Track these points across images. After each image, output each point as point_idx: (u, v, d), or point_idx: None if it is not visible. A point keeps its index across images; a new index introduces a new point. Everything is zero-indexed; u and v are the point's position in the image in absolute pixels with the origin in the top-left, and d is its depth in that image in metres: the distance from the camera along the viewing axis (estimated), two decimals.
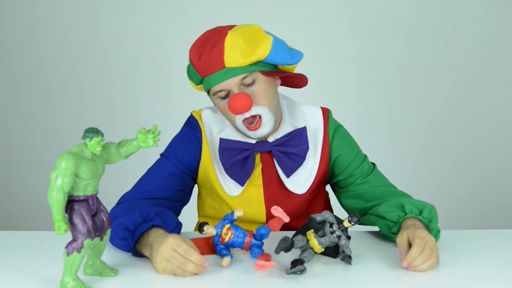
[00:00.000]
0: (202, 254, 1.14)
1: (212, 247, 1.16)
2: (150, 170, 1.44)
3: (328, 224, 1.08)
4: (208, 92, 1.33)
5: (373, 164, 1.48)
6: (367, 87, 3.16)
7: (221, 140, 1.37)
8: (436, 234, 1.25)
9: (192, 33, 3.29)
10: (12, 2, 3.12)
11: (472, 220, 3.12)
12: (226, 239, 1.10)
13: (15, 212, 3.20)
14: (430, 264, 1.08)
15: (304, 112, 1.43)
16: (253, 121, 1.28)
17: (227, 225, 1.11)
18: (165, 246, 1.04)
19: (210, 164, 1.41)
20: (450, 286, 0.99)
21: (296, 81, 1.40)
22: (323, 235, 1.07)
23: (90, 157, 0.93)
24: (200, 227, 1.10)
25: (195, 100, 2.45)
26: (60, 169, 0.87)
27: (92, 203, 0.95)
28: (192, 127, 1.45)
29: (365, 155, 1.48)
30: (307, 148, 1.37)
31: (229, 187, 1.39)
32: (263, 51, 1.25)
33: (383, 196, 1.39)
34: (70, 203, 0.93)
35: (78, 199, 0.93)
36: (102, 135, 0.92)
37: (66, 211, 0.92)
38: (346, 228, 1.08)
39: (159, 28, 3.12)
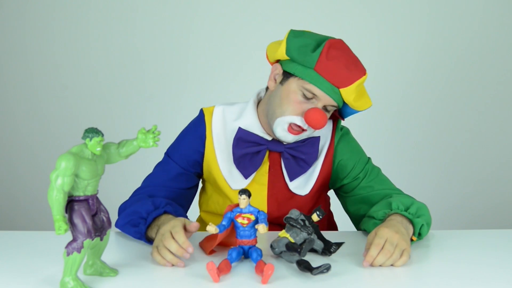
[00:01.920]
0: (211, 250, 1.15)
1: (221, 236, 1.11)
2: (156, 169, 1.46)
3: (301, 221, 1.10)
4: (291, 74, 1.30)
5: (378, 168, 1.48)
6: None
7: (240, 129, 1.38)
8: (421, 228, 1.24)
9: (193, 33, 3.31)
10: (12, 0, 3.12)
11: (472, 220, 3.12)
12: (240, 220, 1.06)
13: (15, 212, 3.20)
14: (393, 260, 1.08)
15: None
16: (298, 130, 1.32)
17: (252, 216, 1.06)
18: (166, 226, 1.12)
19: (214, 159, 1.42)
20: (450, 286, 0.99)
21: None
22: (300, 233, 1.09)
23: (90, 157, 0.93)
24: (241, 192, 1.06)
25: (196, 100, 2.45)
26: (60, 169, 0.87)
27: (92, 203, 0.95)
28: (196, 123, 1.46)
29: (369, 158, 1.48)
30: (315, 157, 1.40)
31: (234, 179, 1.40)
32: (361, 107, 1.33)
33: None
34: (70, 203, 0.92)
35: (78, 199, 0.93)
36: (102, 135, 0.92)
37: (66, 211, 0.92)
38: (315, 223, 1.12)
39: (160, 27, 3.11)
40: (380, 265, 1.09)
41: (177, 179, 1.42)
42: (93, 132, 0.92)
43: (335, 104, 1.30)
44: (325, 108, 1.31)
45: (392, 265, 1.09)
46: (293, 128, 1.31)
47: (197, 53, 3.11)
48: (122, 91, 3.15)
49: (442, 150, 3.18)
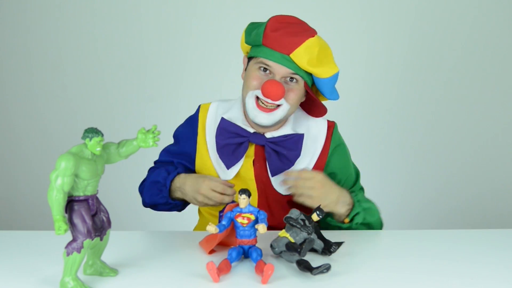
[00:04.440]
0: (211, 250, 1.15)
1: (220, 235, 1.11)
2: (165, 153, 1.55)
3: (301, 221, 1.10)
4: (251, 57, 1.37)
5: (362, 188, 1.52)
6: (364, 89, 3.16)
7: (222, 119, 1.42)
8: (356, 216, 1.35)
9: (193, 33, 3.31)
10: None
11: (472, 220, 3.12)
12: (240, 220, 1.06)
13: (15, 212, 3.20)
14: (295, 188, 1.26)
15: (309, 122, 1.46)
16: (267, 107, 1.32)
17: (252, 216, 1.06)
18: (204, 189, 1.31)
19: (205, 151, 1.45)
20: (450, 286, 0.99)
21: (315, 109, 1.45)
22: (300, 232, 1.09)
23: (90, 157, 0.93)
24: (240, 192, 1.06)
25: (196, 100, 2.44)
26: (60, 169, 0.88)
27: (92, 203, 0.95)
28: (189, 121, 1.52)
29: (357, 176, 1.51)
30: (298, 155, 1.40)
31: (221, 169, 1.43)
32: (324, 73, 1.31)
33: None
34: (70, 203, 0.93)
35: (78, 199, 0.93)
36: (102, 135, 0.93)
37: (66, 211, 0.92)
38: (314, 222, 1.12)
39: (161, 28, 3.12)
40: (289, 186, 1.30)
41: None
42: (93, 132, 0.92)
43: (291, 71, 1.31)
44: (286, 80, 1.33)
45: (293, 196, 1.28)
46: (261, 104, 1.32)
47: (197, 54, 3.11)
48: (122, 91, 3.15)
49: (443, 151, 3.18)
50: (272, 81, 1.27)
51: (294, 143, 1.39)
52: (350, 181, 1.48)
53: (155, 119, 2.70)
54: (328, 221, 1.39)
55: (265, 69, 1.33)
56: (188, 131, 1.50)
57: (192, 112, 1.55)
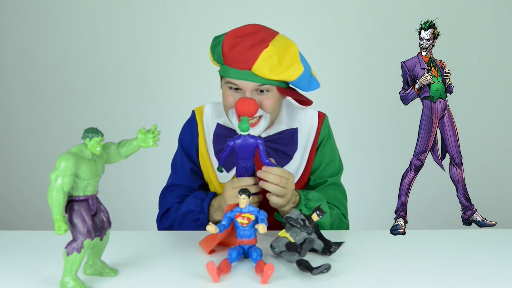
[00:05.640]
0: (211, 250, 1.15)
1: (220, 235, 1.12)
2: (173, 167, 1.53)
3: (301, 221, 1.10)
4: (221, 76, 1.38)
5: (336, 183, 1.50)
6: (366, 89, 3.16)
7: (218, 125, 1.44)
8: (300, 205, 1.32)
9: (193, 32, 3.31)
10: (12, 1, 3.12)
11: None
12: (239, 220, 1.06)
13: (15, 212, 3.20)
14: (274, 187, 1.20)
15: (301, 115, 1.48)
16: (250, 120, 1.33)
17: (252, 216, 1.07)
18: (226, 190, 1.26)
19: (206, 154, 1.47)
20: (450, 286, 0.99)
21: (303, 99, 1.45)
22: (300, 232, 1.09)
23: (90, 157, 0.93)
24: (240, 192, 1.06)
25: (196, 100, 2.45)
26: (60, 169, 0.88)
27: (92, 203, 0.95)
28: (187, 124, 1.53)
29: (339, 169, 1.51)
30: (295, 149, 1.42)
31: (223, 173, 1.44)
32: (289, 77, 1.30)
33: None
34: (70, 203, 0.93)
35: (78, 199, 0.93)
36: (102, 135, 0.93)
37: (66, 211, 0.92)
38: (314, 222, 1.12)
39: (160, 27, 3.12)
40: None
41: (193, 176, 1.49)
42: (93, 132, 0.92)
43: (258, 84, 1.31)
44: (258, 92, 1.33)
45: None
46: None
47: (197, 54, 3.11)
48: (122, 91, 3.15)
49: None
50: (243, 100, 1.27)
51: (289, 137, 1.41)
52: (327, 172, 1.47)
53: (155, 119, 2.71)
54: (275, 216, 1.38)
55: (234, 87, 1.33)
56: (189, 135, 1.51)
57: (189, 113, 1.56)
